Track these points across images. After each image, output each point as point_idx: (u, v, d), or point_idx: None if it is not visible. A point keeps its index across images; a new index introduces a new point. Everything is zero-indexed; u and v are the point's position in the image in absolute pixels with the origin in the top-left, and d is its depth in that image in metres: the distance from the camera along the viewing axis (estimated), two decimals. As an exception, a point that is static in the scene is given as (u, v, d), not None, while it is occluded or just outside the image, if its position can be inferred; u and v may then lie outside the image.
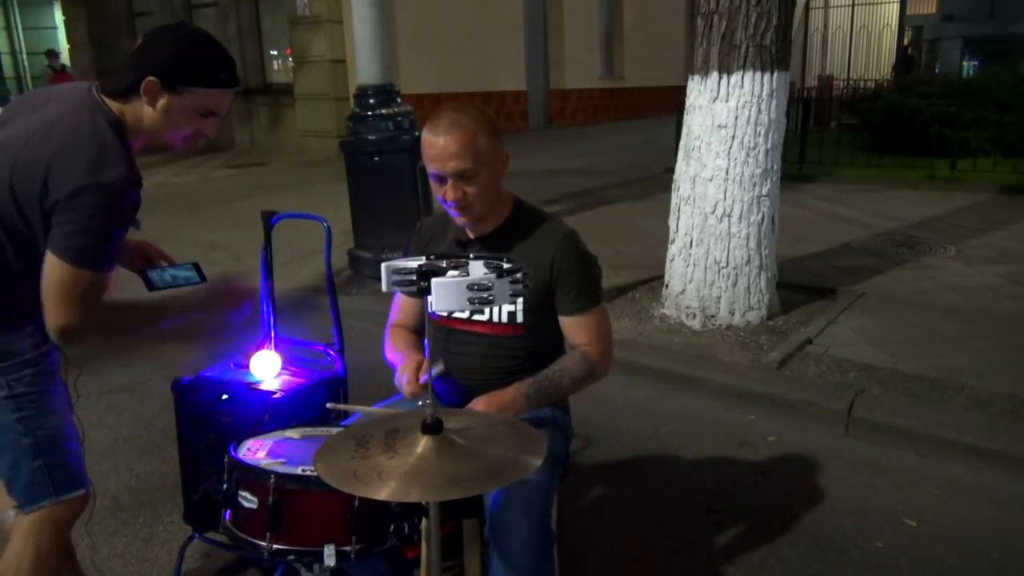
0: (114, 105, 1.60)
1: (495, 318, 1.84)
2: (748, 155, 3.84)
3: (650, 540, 2.48)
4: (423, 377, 1.71)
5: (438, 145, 1.69)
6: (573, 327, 1.85)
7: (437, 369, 1.63)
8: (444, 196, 1.73)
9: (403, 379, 1.74)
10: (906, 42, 19.91)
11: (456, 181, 1.70)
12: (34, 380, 1.66)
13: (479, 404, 1.69)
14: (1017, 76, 11.37)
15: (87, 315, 1.54)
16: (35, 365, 1.66)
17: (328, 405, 1.74)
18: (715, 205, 3.92)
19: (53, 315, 1.53)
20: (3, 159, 1.53)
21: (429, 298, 1.28)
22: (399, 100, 4.94)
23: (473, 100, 12.92)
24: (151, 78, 1.55)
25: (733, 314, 4.03)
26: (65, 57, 16.03)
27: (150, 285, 1.88)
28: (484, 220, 1.82)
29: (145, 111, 1.59)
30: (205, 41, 1.61)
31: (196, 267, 1.94)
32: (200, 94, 1.60)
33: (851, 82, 13.52)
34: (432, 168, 1.72)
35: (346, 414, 1.92)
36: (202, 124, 1.65)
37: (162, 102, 1.58)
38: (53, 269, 1.51)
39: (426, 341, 1.41)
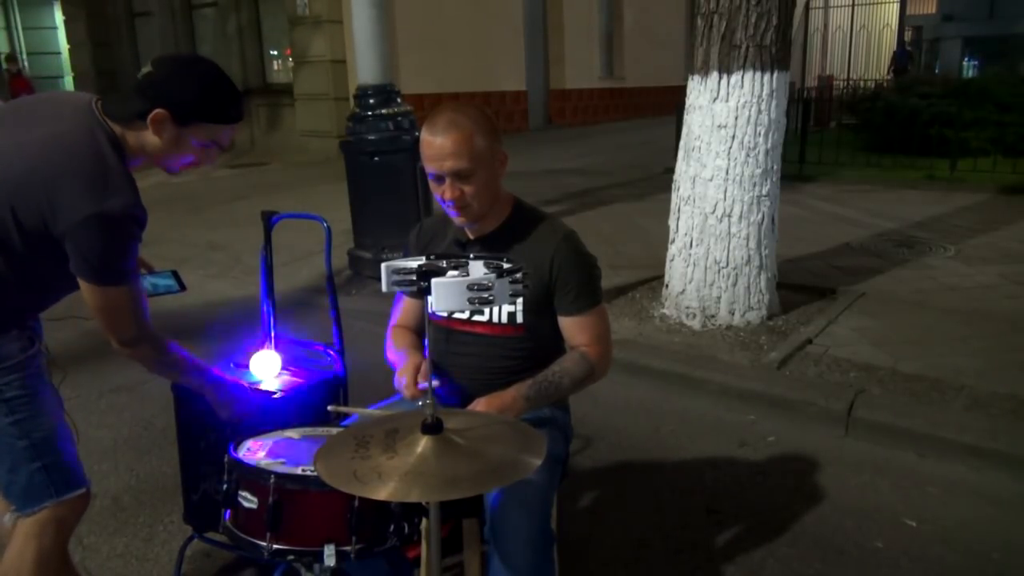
0: (116, 127, 1.61)
1: (495, 318, 1.84)
2: (748, 155, 3.84)
3: (650, 540, 2.48)
4: (422, 384, 1.71)
5: (435, 144, 1.69)
6: (572, 327, 1.85)
7: (435, 383, 1.63)
8: (442, 195, 1.74)
9: (402, 382, 1.75)
10: (908, 44, 19.91)
11: (453, 180, 1.71)
12: (24, 383, 1.66)
13: (479, 406, 1.69)
14: (1017, 76, 11.37)
15: (138, 324, 1.64)
16: (24, 368, 1.66)
17: (329, 408, 1.74)
18: (715, 205, 3.92)
19: (110, 334, 1.64)
20: None
21: (429, 298, 1.29)
22: (399, 100, 4.94)
23: (473, 100, 12.92)
24: (161, 110, 1.57)
25: (733, 314, 4.03)
26: (65, 57, 16.04)
27: None
28: (483, 220, 1.82)
29: (149, 139, 1.61)
30: (223, 80, 1.65)
31: (175, 275, 1.94)
32: (208, 129, 1.64)
33: (851, 82, 13.53)
34: (430, 167, 1.72)
35: (346, 415, 1.92)
36: (204, 155, 1.69)
37: (169, 134, 1.61)
38: (90, 294, 1.58)
39: (426, 341, 1.41)
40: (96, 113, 1.61)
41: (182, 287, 1.94)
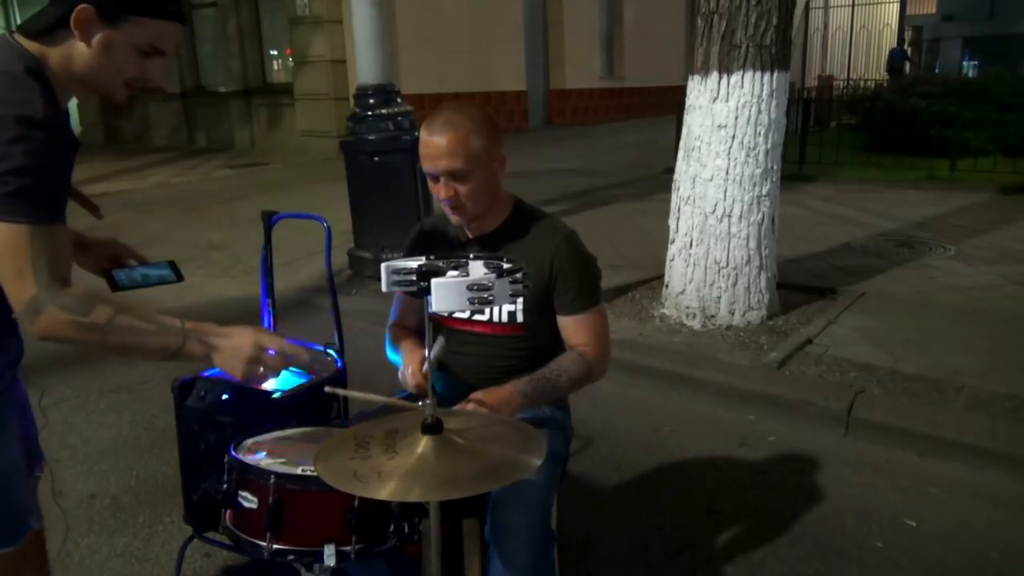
0: (33, 47, 1.33)
1: (495, 318, 1.84)
2: (748, 155, 3.84)
3: (650, 540, 2.48)
4: (426, 366, 1.69)
5: (431, 144, 1.70)
6: (571, 327, 1.85)
7: (437, 347, 1.56)
8: (438, 194, 1.75)
9: (407, 372, 1.74)
10: (906, 43, 19.91)
11: (448, 180, 1.71)
12: None
13: (476, 397, 1.69)
14: (1017, 76, 11.40)
15: (48, 282, 1.25)
16: None
17: (327, 389, 1.71)
18: (715, 205, 3.92)
19: (7, 290, 1.27)
20: None
21: (429, 298, 1.28)
22: (399, 100, 4.94)
23: (473, 100, 12.87)
24: (84, 6, 1.29)
25: (733, 314, 4.03)
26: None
27: (114, 285, 1.65)
28: (483, 220, 1.82)
29: (78, 49, 1.33)
30: None
31: (172, 265, 1.74)
32: (144, 25, 1.34)
33: (851, 82, 13.54)
34: (426, 166, 1.73)
35: (346, 415, 1.92)
36: (146, 67, 1.39)
37: (99, 36, 1.32)
38: None
39: (427, 341, 1.40)
40: (7, 38, 1.34)
41: (179, 277, 1.72)
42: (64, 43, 1.33)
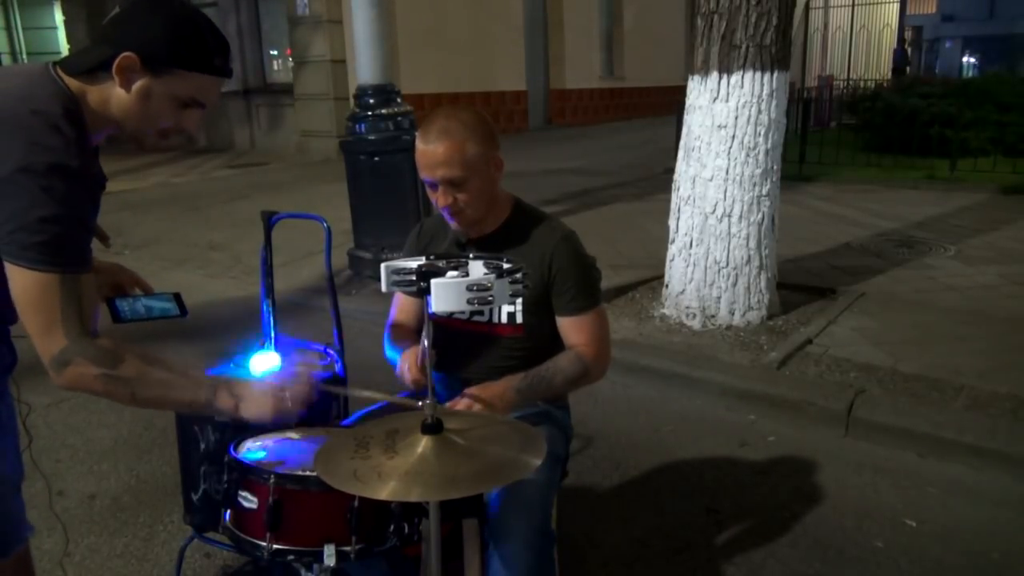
0: (73, 84, 1.31)
1: (495, 319, 1.84)
2: (748, 155, 3.84)
3: (650, 540, 2.48)
4: (420, 358, 1.68)
5: (428, 153, 1.69)
6: (570, 328, 1.84)
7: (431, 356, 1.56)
8: (437, 202, 1.74)
9: (403, 367, 1.74)
10: (906, 43, 19.92)
11: (446, 188, 1.71)
12: None
13: (471, 392, 1.69)
14: (1017, 76, 11.39)
15: (78, 334, 1.24)
16: None
17: (322, 387, 1.71)
18: (715, 205, 3.92)
19: (38, 346, 1.25)
20: None
21: (429, 298, 1.28)
22: (399, 100, 4.94)
23: (473, 100, 12.92)
24: (129, 54, 1.27)
25: (733, 314, 4.03)
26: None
27: (116, 316, 1.60)
28: (482, 222, 1.82)
29: (115, 93, 1.31)
30: (201, 19, 1.34)
31: (177, 298, 1.69)
32: (187, 79, 1.32)
33: (851, 82, 13.53)
34: (423, 175, 1.73)
35: (346, 414, 1.92)
36: (183, 117, 1.37)
37: (139, 84, 1.30)
38: (15, 281, 1.24)
39: (426, 340, 1.40)
40: (51, 73, 1.31)
41: (183, 312, 1.67)
42: (103, 84, 1.31)
